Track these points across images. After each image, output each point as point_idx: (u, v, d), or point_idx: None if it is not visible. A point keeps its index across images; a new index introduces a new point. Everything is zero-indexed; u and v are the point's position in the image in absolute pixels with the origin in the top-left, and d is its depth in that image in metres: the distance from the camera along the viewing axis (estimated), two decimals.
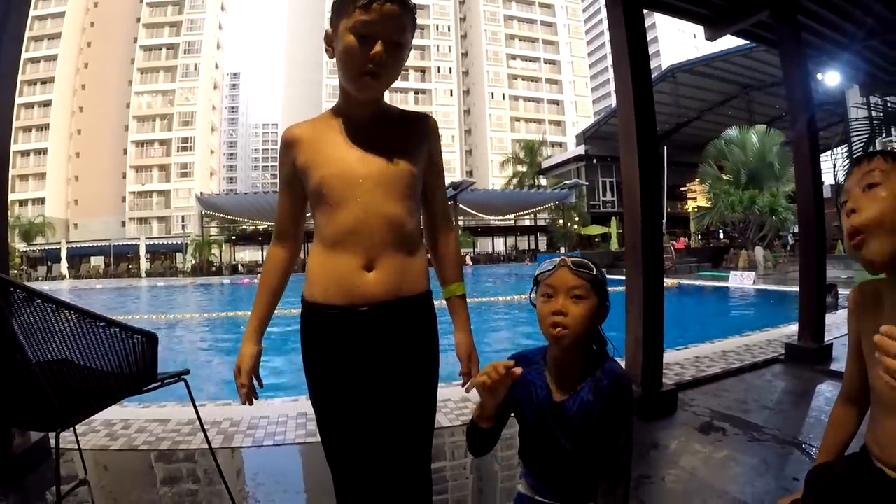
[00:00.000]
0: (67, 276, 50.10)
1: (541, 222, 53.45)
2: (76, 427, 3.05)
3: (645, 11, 5.01)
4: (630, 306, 4.72)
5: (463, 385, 2.14)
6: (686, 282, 21.48)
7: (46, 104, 73.58)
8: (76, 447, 3.47)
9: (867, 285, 1.69)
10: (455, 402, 5.03)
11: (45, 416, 2.44)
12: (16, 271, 48.99)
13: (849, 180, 1.56)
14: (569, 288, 1.97)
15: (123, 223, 72.63)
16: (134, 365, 2.76)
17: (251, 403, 2.11)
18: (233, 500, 3.08)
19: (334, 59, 1.95)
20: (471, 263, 46.40)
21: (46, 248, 55.04)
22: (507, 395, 1.94)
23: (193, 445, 4.05)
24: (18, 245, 53.11)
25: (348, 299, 1.90)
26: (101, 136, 73.78)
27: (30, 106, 73.53)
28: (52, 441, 2.99)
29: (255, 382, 2.11)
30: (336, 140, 1.96)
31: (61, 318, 2.49)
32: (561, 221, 47.21)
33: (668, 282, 20.23)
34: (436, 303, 2.12)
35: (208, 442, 3.16)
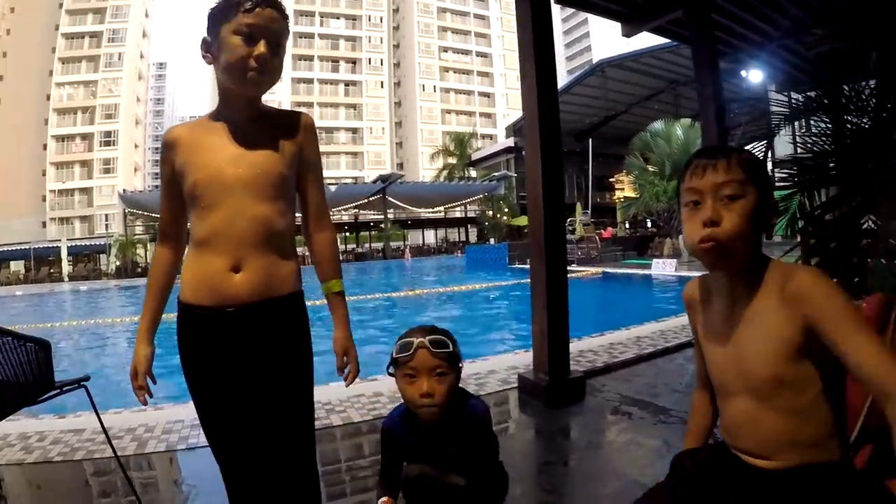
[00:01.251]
0: None
1: (471, 214, 53.59)
2: None
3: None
4: (535, 298, 4.83)
5: (345, 381, 2.21)
6: (611, 270, 21.82)
7: None
8: None
9: (698, 280, 1.78)
10: (368, 397, 5.08)
11: None
12: None
13: (701, 179, 1.53)
14: (431, 369, 2.21)
15: (44, 224, 68.33)
16: (29, 374, 2.75)
17: (146, 403, 2.16)
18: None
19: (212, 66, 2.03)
20: (409, 258, 46.24)
21: None
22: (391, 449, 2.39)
23: (108, 454, 3.86)
24: None
25: (216, 300, 1.95)
26: (20, 132, 68.96)
27: None
28: None
29: (150, 381, 2.14)
30: (212, 143, 2.00)
31: None
32: (491, 213, 47.47)
33: (592, 270, 20.73)
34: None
35: (113, 449, 3.19)
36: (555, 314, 4.65)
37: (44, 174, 70.55)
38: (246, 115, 2.05)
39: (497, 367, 5.80)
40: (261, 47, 1.91)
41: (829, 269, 3.02)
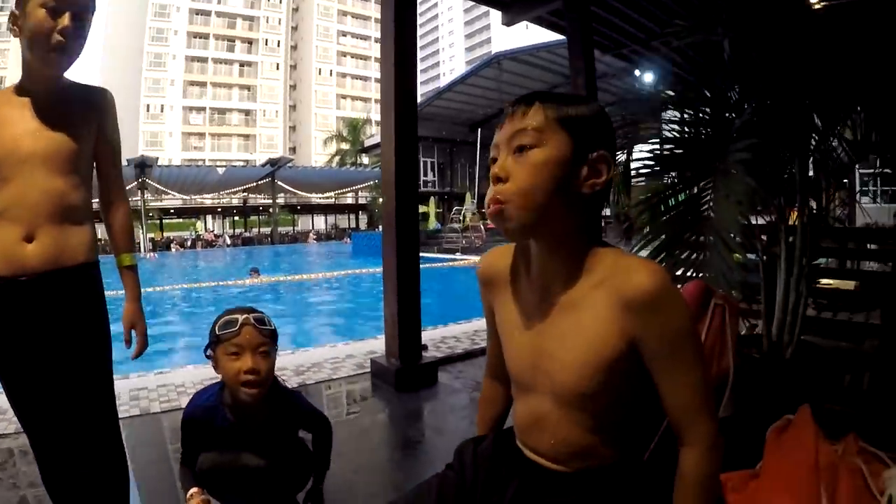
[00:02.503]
0: None
1: (362, 201, 53.26)
2: None
3: None
4: (386, 283, 4.82)
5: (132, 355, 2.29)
6: None
7: None
8: None
9: (502, 251, 1.52)
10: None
11: None
12: None
13: (500, 132, 1.30)
14: (256, 346, 2.18)
15: None
16: None
17: None
18: None
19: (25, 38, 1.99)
20: (314, 241, 45.71)
21: None
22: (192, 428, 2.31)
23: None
24: None
25: (10, 270, 1.97)
26: None
27: None
28: None
29: None
30: (12, 117, 2.01)
31: None
32: (381, 200, 47.24)
33: (475, 259, 20.92)
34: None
35: None
36: (406, 299, 4.66)
37: None
38: (48, 88, 2.07)
39: (355, 352, 5.77)
40: (65, 20, 1.92)
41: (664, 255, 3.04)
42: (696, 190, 3.09)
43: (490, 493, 1.46)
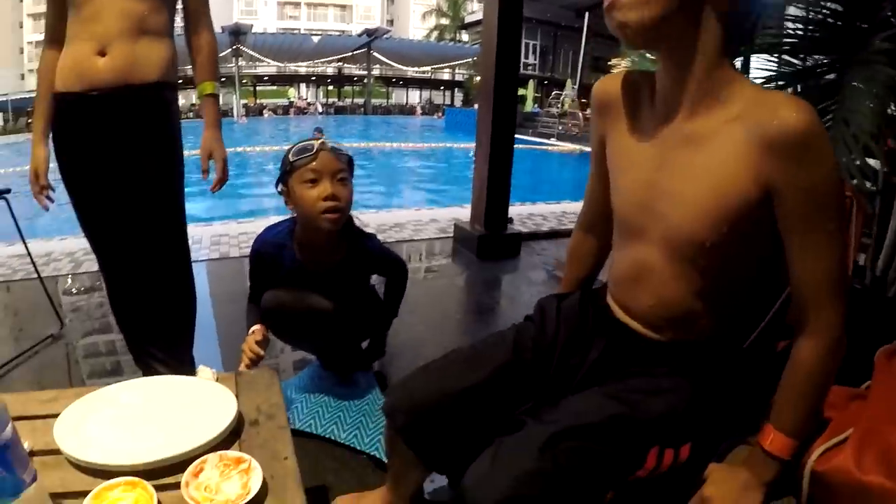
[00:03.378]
0: None
1: (458, 77, 52.47)
2: None
3: None
4: (479, 148, 4.69)
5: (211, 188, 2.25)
6: (589, 149, 21.62)
7: None
8: None
9: (616, 76, 1.34)
10: None
11: None
12: None
13: None
14: (334, 172, 2.07)
15: (22, 76, 66.68)
16: None
17: (47, 208, 2.20)
18: (60, 318, 3.36)
19: None
20: (420, 113, 45.58)
21: None
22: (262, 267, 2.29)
23: (46, 274, 4.02)
24: None
25: (83, 85, 1.96)
26: None
27: None
28: None
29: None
30: None
31: None
32: (478, 78, 46.54)
33: (571, 146, 20.47)
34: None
35: (33, 263, 3.42)
36: (497, 165, 4.52)
37: (20, 26, 67.43)
38: None
39: (439, 218, 5.75)
40: None
41: None
42: (826, 77, 2.80)
43: (571, 351, 1.35)
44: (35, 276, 3.49)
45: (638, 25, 1.06)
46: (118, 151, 1.99)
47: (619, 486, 1.18)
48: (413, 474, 1.62)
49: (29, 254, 3.40)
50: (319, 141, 2.06)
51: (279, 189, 2.18)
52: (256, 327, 2.18)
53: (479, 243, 4.55)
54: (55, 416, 1.23)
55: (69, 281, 4.21)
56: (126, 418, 1.27)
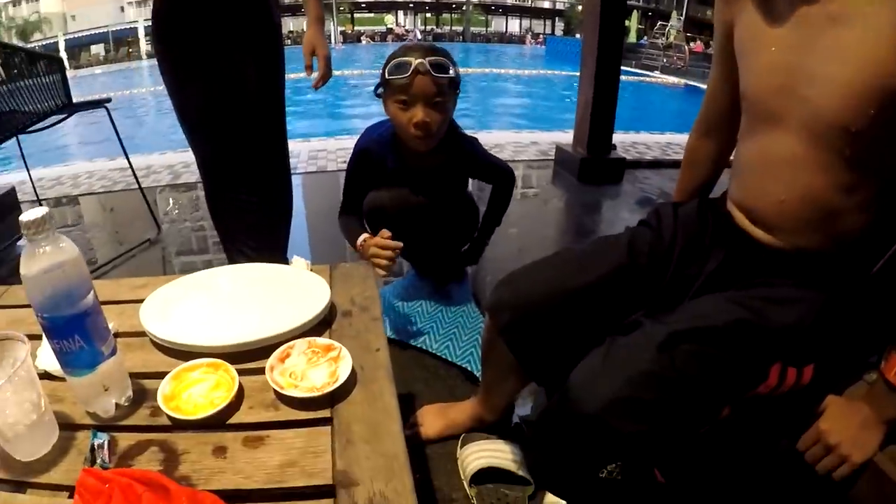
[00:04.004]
0: (68, 67, 47.84)
1: (560, 6, 51.21)
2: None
3: None
4: (584, 68, 4.44)
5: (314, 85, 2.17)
6: (695, 83, 20.88)
7: None
8: (44, 197, 4.24)
9: None
10: None
11: None
12: (16, 70, 47.75)
13: None
14: (428, 97, 1.93)
15: (122, 8, 67.95)
16: (44, 89, 2.91)
17: None
18: (158, 224, 3.52)
19: None
20: (532, 43, 44.94)
21: (44, 43, 51.58)
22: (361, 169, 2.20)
23: (145, 185, 4.17)
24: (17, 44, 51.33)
25: None
26: None
27: None
28: None
29: None
30: None
31: None
32: (580, 8, 45.28)
33: (675, 80, 19.85)
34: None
35: (133, 171, 3.60)
36: (602, 87, 4.29)
37: None
38: None
39: (540, 141, 5.59)
40: None
41: None
42: None
43: (688, 260, 1.24)
44: (135, 186, 3.61)
45: None
46: (219, 44, 1.91)
47: (737, 401, 1.07)
48: (508, 383, 1.54)
49: (129, 161, 3.50)
50: (418, 61, 1.90)
51: (377, 93, 2.08)
52: (365, 235, 2.03)
53: (580, 166, 4.38)
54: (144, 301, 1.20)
55: (167, 191, 4.35)
56: (214, 303, 1.23)
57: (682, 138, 6.68)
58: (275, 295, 1.23)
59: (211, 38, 1.90)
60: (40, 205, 3.83)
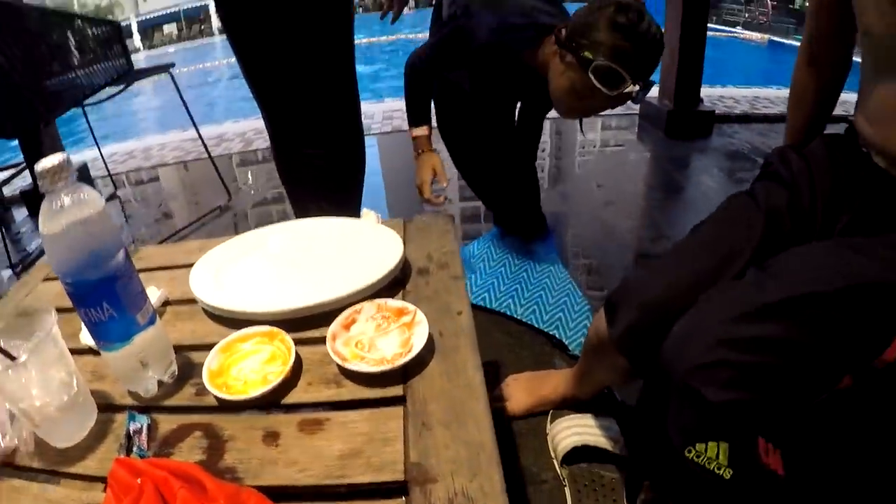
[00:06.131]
0: (142, 48, 49.17)
1: None
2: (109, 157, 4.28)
3: None
4: (669, 13, 4.12)
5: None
6: (778, 39, 20.10)
7: None
8: (115, 172, 4.32)
9: None
10: None
11: (30, 115, 2.56)
12: (91, 55, 49.61)
13: None
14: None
15: None
16: (104, 56, 2.90)
17: None
18: (228, 191, 3.47)
19: None
20: None
21: None
22: None
23: (217, 154, 4.29)
24: (90, 30, 53.09)
25: None
26: None
27: None
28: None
29: None
30: None
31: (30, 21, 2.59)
32: None
33: (759, 36, 19.19)
34: None
35: (201, 139, 3.57)
36: (689, 34, 3.99)
37: None
38: None
39: None
40: None
41: None
42: None
43: (834, 212, 1.02)
44: (206, 155, 3.59)
45: None
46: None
47: (860, 370, 0.84)
48: (612, 377, 1.35)
49: (196, 128, 3.46)
50: (633, 88, 1.54)
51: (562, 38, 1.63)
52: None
53: (668, 119, 4.12)
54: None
55: (238, 159, 4.39)
56: (272, 264, 1.09)
57: (771, 93, 6.35)
58: (339, 253, 1.09)
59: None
60: (112, 181, 3.98)
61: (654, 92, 4.38)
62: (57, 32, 2.70)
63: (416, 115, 1.99)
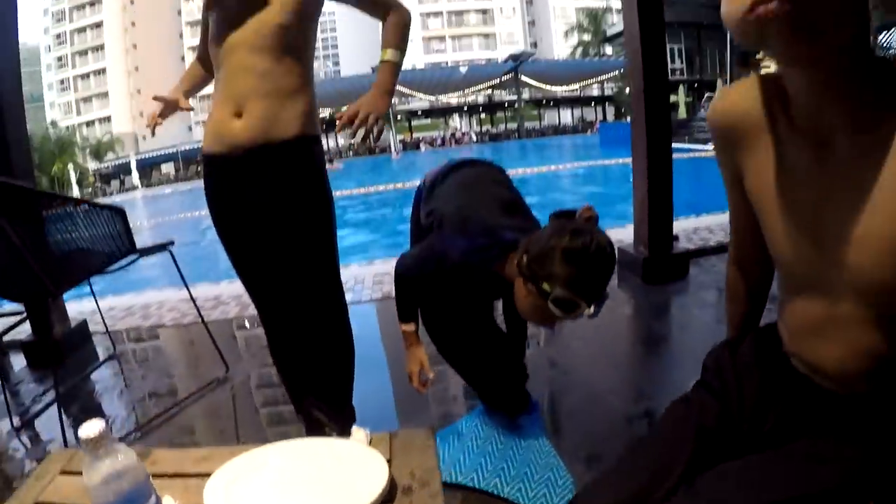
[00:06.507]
0: (139, 186, 50.22)
1: (607, 92, 51.85)
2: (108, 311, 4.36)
3: None
4: (636, 167, 4.43)
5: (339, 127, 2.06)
6: None
7: (98, 25, 73.12)
8: (114, 328, 4.39)
9: (735, 93, 1.08)
10: None
11: (39, 288, 2.72)
12: (90, 189, 51.14)
13: None
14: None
15: (190, 128, 71.96)
16: (109, 238, 3.08)
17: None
18: (225, 361, 3.54)
19: None
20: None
21: (117, 163, 56.11)
22: None
23: (213, 318, 4.50)
24: (91, 164, 55.41)
25: (224, 146, 2.02)
26: (157, 48, 72.42)
27: (82, 30, 73.65)
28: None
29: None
30: (224, 4, 2.03)
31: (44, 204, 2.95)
32: (628, 90, 45.74)
33: None
34: None
35: (200, 314, 3.62)
36: (656, 183, 4.27)
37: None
38: None
39: None
40: None
41: None
42: None
43: (759, 418, 1.14)
44: (205, 319, 3.70)
45: (818, 34, 0.79)
46: (266, 207, 2.02)
47: None
48: None
49: (193, 300, 3.58)
50: (589, 311, 1.70)
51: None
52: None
53: (644, 267, 4.32)
54: (207, 474, 1.21)
55: (234, 324, 4.47)
56: (275, 482, 1.23)
57: None
58: (335, 474, 1.23)
59: (258, 207, 2.04)
60: (110, 338, 4.12)
61: (630, 239, 4.64)
62: (65, 215, 2.95)
63: (405, 314, 2.24)
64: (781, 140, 0.99)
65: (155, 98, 2.27)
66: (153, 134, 2.34)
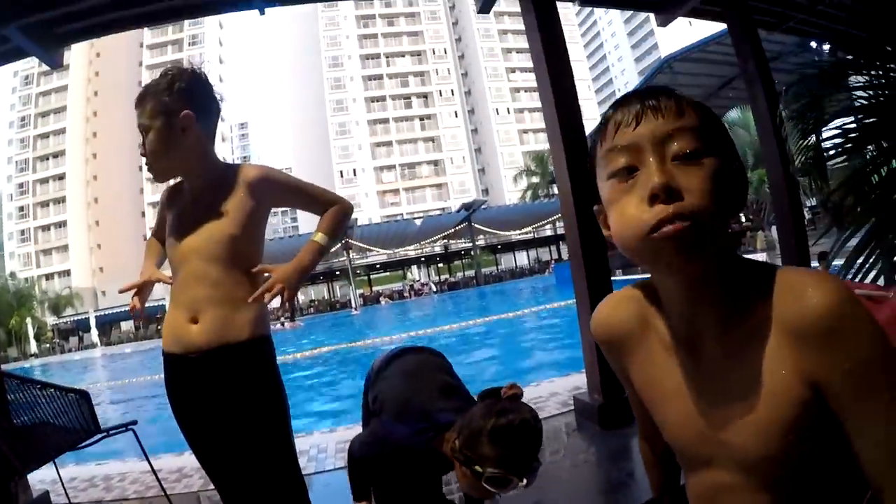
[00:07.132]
0: (98, 343, 49.56)
1: (560, 231, 53.18)
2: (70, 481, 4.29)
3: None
4: (581, 313, 4.58)
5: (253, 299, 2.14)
6: None
7: (61, 177, 73.98)
8: (76, 500, 4.27)
9: (611, 304, 1.23)
10: None
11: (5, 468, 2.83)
12: (48, 345, 49.92)
13: (635, 129, 0.96)
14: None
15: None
16: (74, 419, 3.26)
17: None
18: None
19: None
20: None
21: (76, 318, 55.50)
22: None
23: (178, 491, 4.41)
24: (49, 319, 54.32)
25: (181, 348, 2.13)
26: (118, 202, 72.80)
27: (44, 181, 74.28)
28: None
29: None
30: (180, 210, 2.24)
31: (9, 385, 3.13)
32: None
33: None
34: None
35: (163, 489, 3.71)
36: None
37: (145, 239, 73.43)
38: (198, 184, 2.21)
39: (559, 389, 5.59)
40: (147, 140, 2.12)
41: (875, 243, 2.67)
42: None
43: None
44: (168, 493, 3.71)
45: (707, 254, 0.93)
46: (223, 402, 2.10)
47: None
48: None
49: (156, 474, 3.65)
50: (522, 483, 1.83)
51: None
52: None
53: (599, 413, 4.33)
54: None
55: (198, 498, 4.38)
56: None
57: None
58: None
59: (215, 404, 2.12)
60: None
61: (585, 387, 4.71)
62: (32, 400, 3.13)
63: (358, 493, 2.37)
64: (658, 345, 1.11)
65: (129, 289, 2.39)
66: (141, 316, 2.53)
